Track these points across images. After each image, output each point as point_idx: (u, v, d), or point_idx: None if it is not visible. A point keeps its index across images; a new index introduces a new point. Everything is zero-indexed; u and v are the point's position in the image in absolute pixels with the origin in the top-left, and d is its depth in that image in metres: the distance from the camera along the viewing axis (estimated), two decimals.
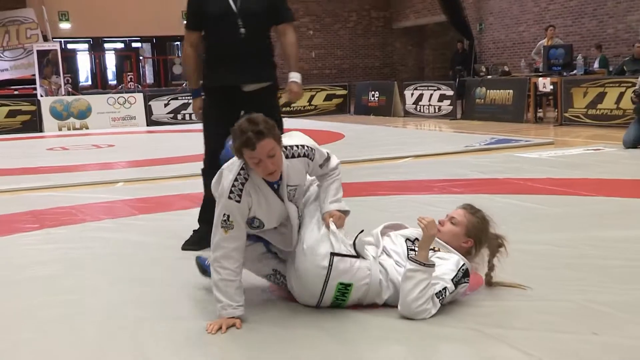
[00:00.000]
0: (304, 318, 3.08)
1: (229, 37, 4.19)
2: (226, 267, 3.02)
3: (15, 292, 3.65)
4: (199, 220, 4.43)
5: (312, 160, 3.21)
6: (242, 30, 4.16)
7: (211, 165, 3.97)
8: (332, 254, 3.04)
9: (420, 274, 2.93)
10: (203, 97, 4.41)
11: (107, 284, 3.73)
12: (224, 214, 3.03)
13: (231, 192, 3.02)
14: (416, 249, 3.11)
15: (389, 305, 3.11)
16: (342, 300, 3.10)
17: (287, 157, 3.11)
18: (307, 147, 3.21)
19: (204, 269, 3.49)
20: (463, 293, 3.20)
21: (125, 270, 4.00)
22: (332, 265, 3.03)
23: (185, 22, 4.43)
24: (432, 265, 2.98)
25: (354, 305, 3.15)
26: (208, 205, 3.86)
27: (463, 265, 3.09)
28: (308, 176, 3.33)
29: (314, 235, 3.13)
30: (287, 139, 3.17)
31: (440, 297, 2.98)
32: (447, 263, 3.07)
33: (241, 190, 3.03)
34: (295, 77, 4.27)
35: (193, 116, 16.87)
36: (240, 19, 4.16)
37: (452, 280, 3.02)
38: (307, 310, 3.15)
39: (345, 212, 3.27)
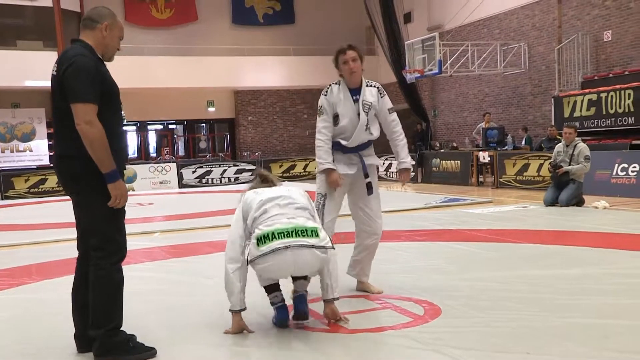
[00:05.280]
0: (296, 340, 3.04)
1: (121, 118, 3.01)
2: (322, 135, 3.71)
3: None
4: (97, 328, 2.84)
5: (382, 97, 3.80)
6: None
7: (120, 262, 2.93)
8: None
9: None
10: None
11: (145, 311, 3.67)
12: (320, 105, 3.73)
13: (324, 92, 3.76)
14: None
15: (359, 329, 3.07)
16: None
17: (367, 85, 3.76)
18: (381, 87, 3.86)
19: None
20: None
21: (159, 300, 3.95)
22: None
23: (86, 93, 2.72)
24: None
25: (334, 326, 3.11)
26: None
27: None
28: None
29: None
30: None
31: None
32: None
33: (328, 89, 3.76)
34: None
35: (215, 180, 17.05)
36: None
37: None
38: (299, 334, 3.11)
39: (408, 169, 3.94)
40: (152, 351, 2.88)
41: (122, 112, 3.02)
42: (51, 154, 17.87)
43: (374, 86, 3.81)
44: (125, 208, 2.94)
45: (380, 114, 3.80)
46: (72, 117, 2.73)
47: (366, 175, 3.79)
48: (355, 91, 3.74)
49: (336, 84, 3.78)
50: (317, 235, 3.04)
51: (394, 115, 3.84)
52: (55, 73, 2.83)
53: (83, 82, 2.73)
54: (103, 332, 2.80)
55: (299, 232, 2.99)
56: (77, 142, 2.73)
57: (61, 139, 2.87)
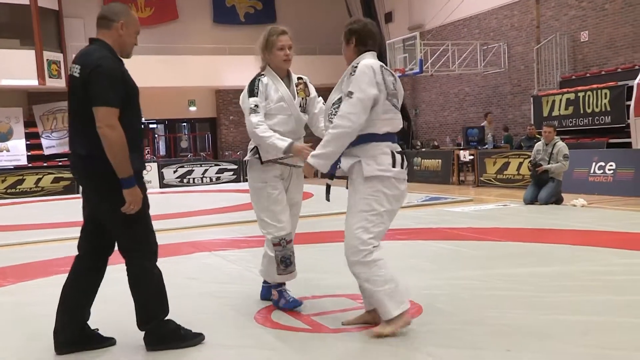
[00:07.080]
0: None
1: (140, 118, 3.00)
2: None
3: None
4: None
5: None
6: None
7: (155, 257, 3.05)
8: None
9: None
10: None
11: (126, 312, 3.62)
12: None
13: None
14: None
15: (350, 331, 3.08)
16: None
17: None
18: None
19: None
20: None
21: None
22: None
23: (110, 97, 2.73)
24: None
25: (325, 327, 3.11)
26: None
27: None
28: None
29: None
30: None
31: None
32: None
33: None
34: None
35: (196, 180, 16.97)
36: None
37: None
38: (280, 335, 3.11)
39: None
40: (200, 337, 3.01)
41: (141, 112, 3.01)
42: (29, 153, 17.61)
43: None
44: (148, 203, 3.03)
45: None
46: (93, 119, 2.71)
47: (331, 177, 3.26)
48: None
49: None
50: None
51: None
52: (77, 75, 2.79)
53: (108, 86, 2.73)
54: (155, 323, 2.91)
55: None
56: (100, 143, 2.72)
57: (84, 140, 2.80)
